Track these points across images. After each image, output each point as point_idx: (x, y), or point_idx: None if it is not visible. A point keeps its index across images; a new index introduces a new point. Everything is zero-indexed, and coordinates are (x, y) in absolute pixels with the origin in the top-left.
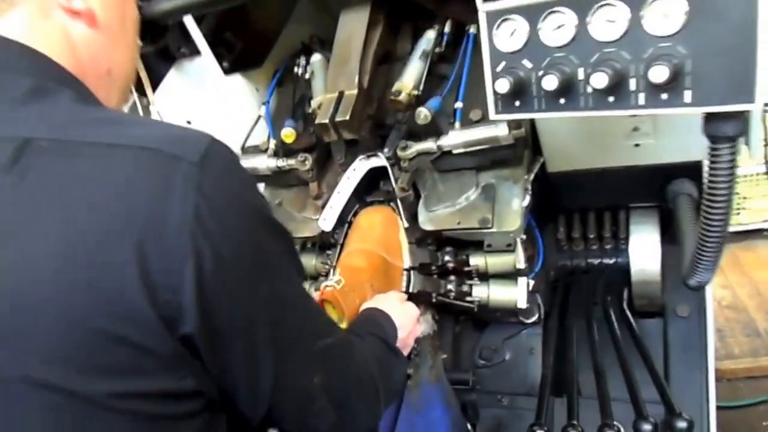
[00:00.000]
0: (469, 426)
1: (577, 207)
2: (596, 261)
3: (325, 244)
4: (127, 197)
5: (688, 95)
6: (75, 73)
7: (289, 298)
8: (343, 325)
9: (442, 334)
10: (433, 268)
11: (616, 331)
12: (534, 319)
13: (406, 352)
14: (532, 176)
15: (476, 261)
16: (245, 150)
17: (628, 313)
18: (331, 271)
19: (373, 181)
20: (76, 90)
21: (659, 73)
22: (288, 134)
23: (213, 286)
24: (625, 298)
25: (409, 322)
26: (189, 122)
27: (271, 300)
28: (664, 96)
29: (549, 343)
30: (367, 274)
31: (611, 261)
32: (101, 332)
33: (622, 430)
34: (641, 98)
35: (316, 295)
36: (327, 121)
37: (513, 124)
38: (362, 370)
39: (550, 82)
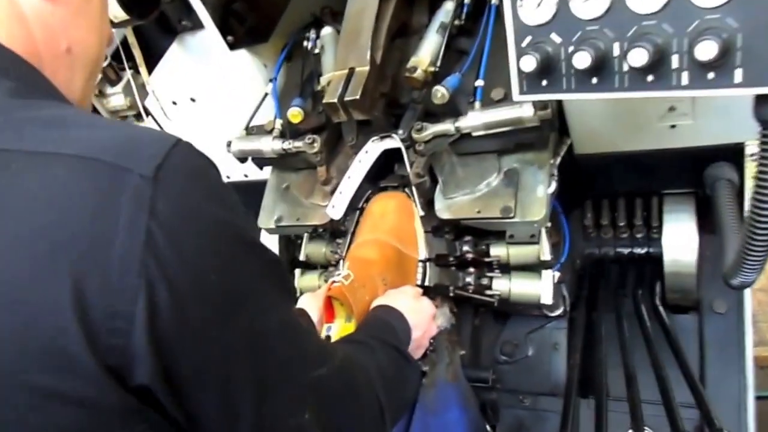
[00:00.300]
0: (488, 428)
1: (607, 192)
2: (626, 250)
3: (335, 231)
4: (61, 222)
5: (738, 74)
6: (26, 54)
7: (272, 330)
8: (352, 324)
9: (461, 328)
10: (451, 259)
11: (648, 327)
12: (559, 312)
13: (420, 353)
14: (558, 160)
15: (497, 252)
16: (249, 131)
17: (661, 307)
18: (340, 263)
19: (386, 164)
20: (16, 79)
21: (706, 50)
22: (295, 114)
23: (171, 327)
24: (658, 291)
25: (423, 321)
26: (193, 100)
27: (249, 335)
28: (711, 75)
29: (575, 339)
30: (378, 267)
31: (642, 251)
32: (34, 389)
33: None
34: (684, 77)
35: (323, 290)
36: (335, 100)
37: (539, 105)
38: (364, 394)
39: (582, 60)
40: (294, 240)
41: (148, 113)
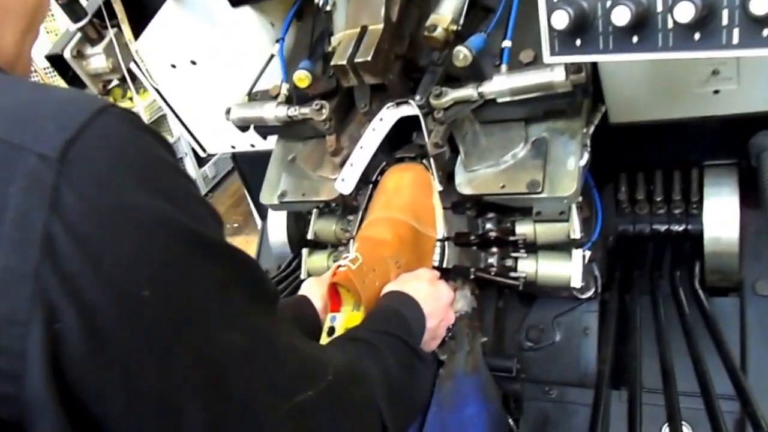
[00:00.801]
0: (510, 421)
1: (643, 164)
2: (663, 227)
3: (347, 207)
4: None
5: None
6: None
7: (233, 355)
8: (360, 313)
9: (483, 313)
10: (472, 238)
11: (686, 312)
12: (590, 293)
13: (435, 345)
14: (591, 129)
15: (523, 230)
16: (252, 96)
17: (699, 290)
18: (350, 243)
19: (403, 133)
20: None
21: (761, 3)
22: (301, 78)
23: (85, 366)
24: (696, 272)
25: (440, 309)
26: (194, 62)
27: (200, 365)
28: (767, 32)
29: (607, 324)
30: (391, 248)
31: (680, 228)
32: None
33: None
34: (735, 35)
35: (328, 275)
36: (345, 62)
37: (572, 68)
38: (362, 413)
39: (621, 16)
40: (304, 216)
41: (133, 77)
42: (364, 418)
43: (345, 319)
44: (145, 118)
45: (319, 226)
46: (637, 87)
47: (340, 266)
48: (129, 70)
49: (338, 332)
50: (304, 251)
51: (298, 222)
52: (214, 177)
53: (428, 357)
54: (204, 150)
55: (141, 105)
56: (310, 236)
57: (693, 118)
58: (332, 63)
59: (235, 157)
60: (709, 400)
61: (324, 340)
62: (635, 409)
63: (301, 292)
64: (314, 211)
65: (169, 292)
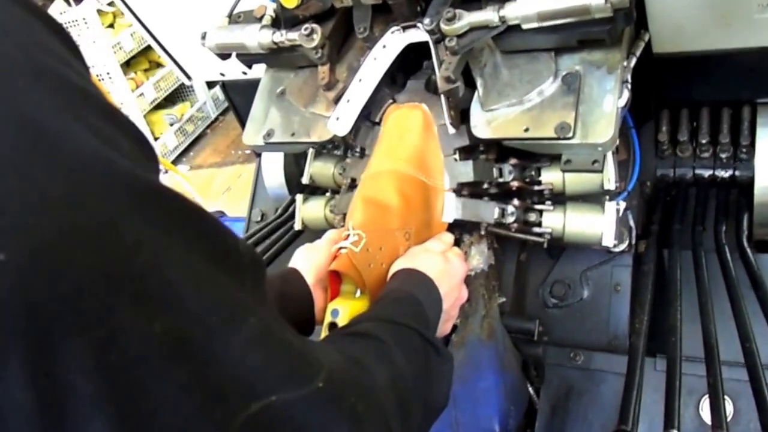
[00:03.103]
0: (531, 390)
1: (687, 101)
2: (707, 173)
3: (349, 146)
4: None
5: None
6: None
7: (156, 347)
8: (365, 299)
9: (502, 270)
10: (485, 187)
11: (731, 271)
12: (623, 246)
13: (449, 328)
14: (633, 62)
15: (550, 178)
16: (234, 18)
17: (746, 245)
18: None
19: (415, 62)
20: None
21: None
22: None
23: None
24: (744, 225)
25: (454, 287)
26: None
27: (105, 367)
28: None
29: (642, 281)
30: (398, 216)
31: (727, 174)
32: None
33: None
34: None
35: (325, 241)
36: None
37: None
38: (364, 426)
39: None
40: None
41: None
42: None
43: (349, 311)
44: (132, 46)
45: (316, 169)
46: (687, 11)
47: (341, 249)
48: None
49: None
50: (299, 197)
51: (298, 159)
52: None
53: (446, 350)
54: (189, 78)
55: (126, 33)
56: (305, 180)
57: (747, 49)
58: None
59: (225, 86)
60: (755, 371)
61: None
62: (673, 382)
63: (292, 264)
64: (310, 151)
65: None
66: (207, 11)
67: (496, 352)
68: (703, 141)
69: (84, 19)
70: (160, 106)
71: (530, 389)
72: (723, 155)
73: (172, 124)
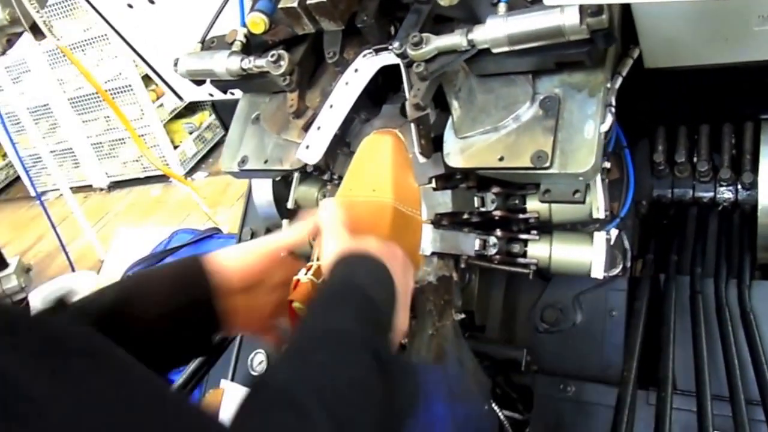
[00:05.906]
0: (504, 421)
1: (685, 117)
2: (707, 195)
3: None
4: None
5: None
6: None
7: None
8: None
9: (490, 288)
10: (466, 217)
11: (723, 297)
12: (617, 270)
13: (406, 326)
14: (618, 82)
15: (535, 206)
16: (207, 44)
17: (748, 271)
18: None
19: (390, 86)
20: None
21: None
22: (255, 21)
23: None
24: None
25: (400, 272)
26: (152, 1)
27: None
28: None
29: (637, 308)
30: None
31: (729, 195)
32: None
33: None
34: None
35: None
36: (295, 3)
37: (589, 9)
38: None
39: None
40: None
41: (37, 30)
42: None
43: None
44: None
45: (300, 194)
46: (679, 25)
47: (299, 281)
48: (34, 24)
49: None
50: (285, 223)
51: (286, 179)
52: None
53: (408, 367)
54: (180, 98)
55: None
56: (290, 205)
57: (747, 63)
58: (280, 5)
59: (214, 105)
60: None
61: None
62: (664, 416)
63: (222, 255)
64: (296, 175)
65: None
66: (194, 34)
67: (444, 378)
68: (703, 160)
69: (105, 35)
70: (179, 115)
71: (504, 421)
72: (724, 175)
73: (191, 132)
